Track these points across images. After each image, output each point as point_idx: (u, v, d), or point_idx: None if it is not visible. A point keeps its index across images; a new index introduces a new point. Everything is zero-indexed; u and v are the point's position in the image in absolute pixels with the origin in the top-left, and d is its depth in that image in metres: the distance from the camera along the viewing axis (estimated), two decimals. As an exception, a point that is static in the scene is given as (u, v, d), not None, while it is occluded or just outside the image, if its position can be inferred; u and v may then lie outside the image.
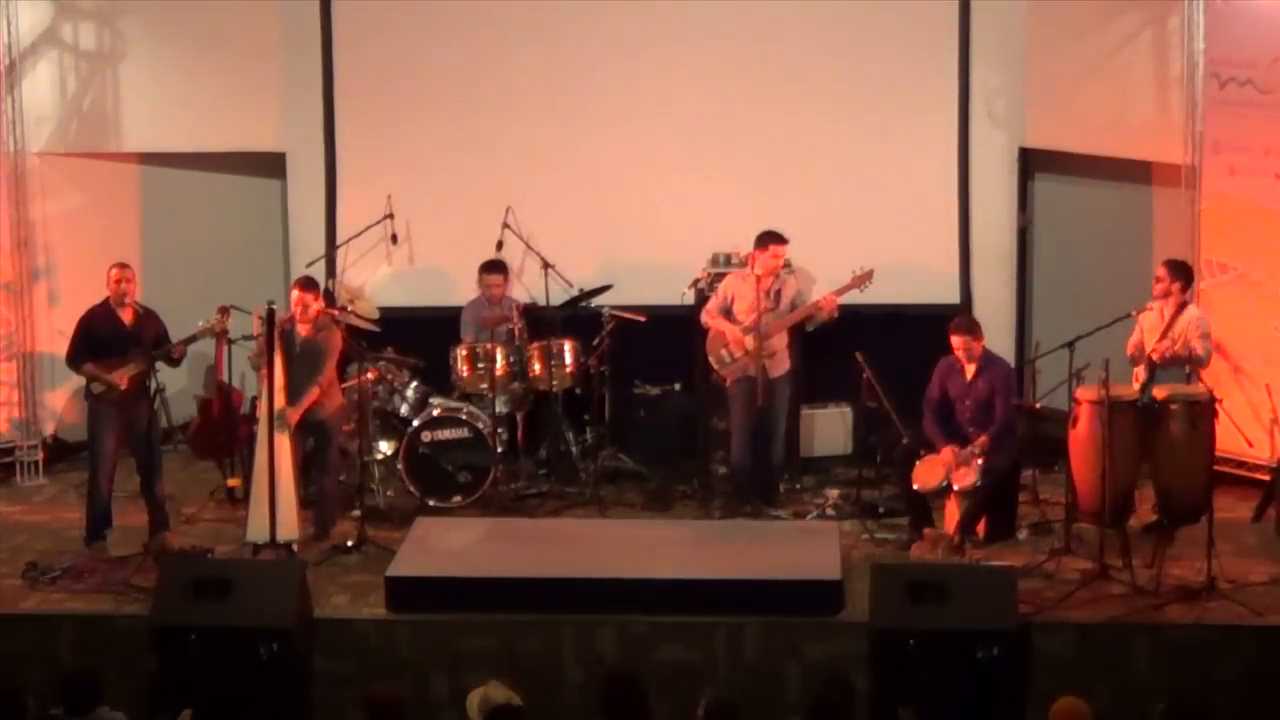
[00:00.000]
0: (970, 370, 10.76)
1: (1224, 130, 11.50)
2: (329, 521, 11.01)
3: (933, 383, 10.84)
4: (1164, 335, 10.69)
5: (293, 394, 10.67)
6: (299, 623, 9.39)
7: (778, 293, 11.26)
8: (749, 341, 11.18)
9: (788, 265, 11.76)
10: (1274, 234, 11.37)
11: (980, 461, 10.51)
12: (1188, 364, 10.69)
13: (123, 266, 10.84)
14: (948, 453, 10.59)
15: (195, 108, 12.78)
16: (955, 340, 10.72)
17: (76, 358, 10.81)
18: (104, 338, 10.75)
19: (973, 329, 10.80)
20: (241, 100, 12.79)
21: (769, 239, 11.24)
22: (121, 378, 10.62)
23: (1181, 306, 10.79)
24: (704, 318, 11.44)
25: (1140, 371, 10.76)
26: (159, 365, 10.73)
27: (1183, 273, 10.89)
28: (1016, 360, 12.24)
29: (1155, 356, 10.65)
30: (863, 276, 11.21)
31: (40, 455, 12.47)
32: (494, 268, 12.14)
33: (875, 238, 12.37)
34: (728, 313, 11.34)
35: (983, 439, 10.59)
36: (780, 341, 11.33)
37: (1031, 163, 12.82)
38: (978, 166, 12.65)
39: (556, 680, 9.56)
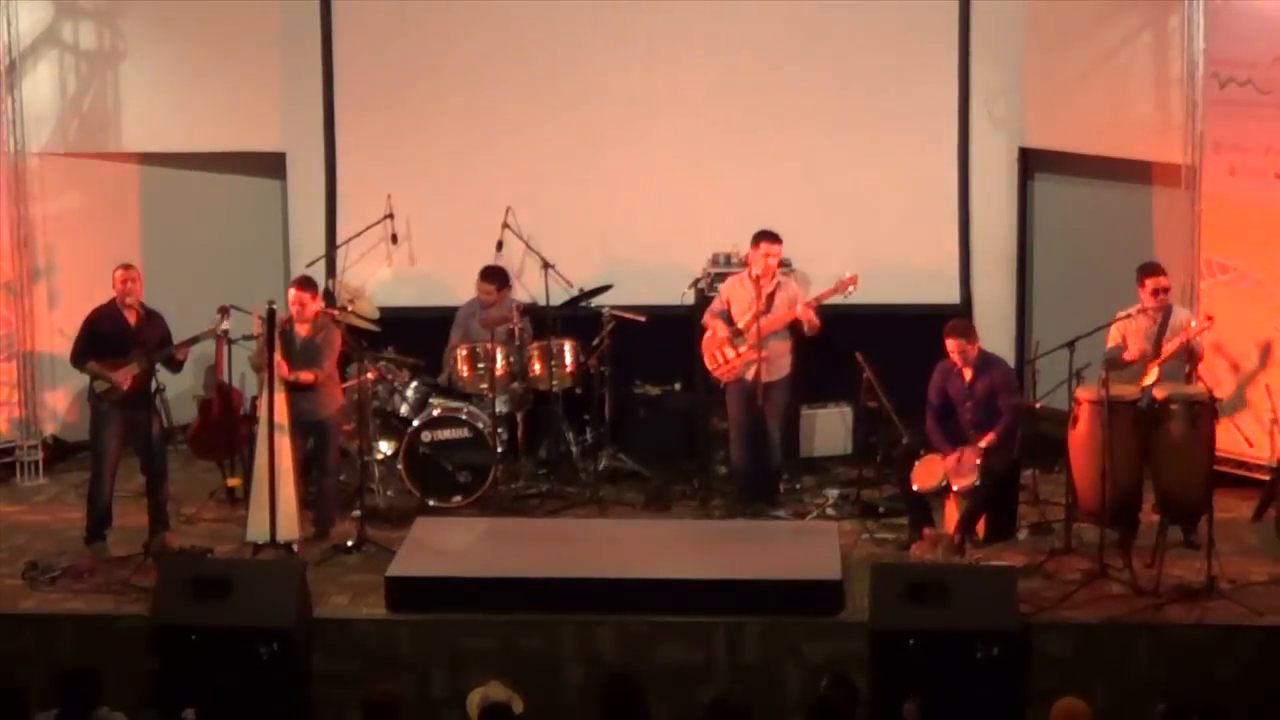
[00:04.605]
0: (968, 373, 10.75)
1: (1224, 130, 11.50)
2: (329, 521, 11.01)
3: (932, 387, 10.83)
4: (1168, 334, 10.69)
5: (295, 392, 10.68)
6: (299, 623, 9.40)
7: (770, 296, 11.23)
8: (740, 344, 11.17)
9: (788, 265, 11.77)
10: (1274, 234, 11.37)
11: (979, 461, 10.51)
12: (1188, 359, 10.70)
13: (127, 268, 10.86)
14: (952, 459, 10.58)
15: (195, 108, 12.78)
16: (950, 344, 10.71)
17: (81, 356, 10.83)
18: (108, 338, 10.76)
19: (967, 332, 10.77)
20: (241, 100, 12.80)
21: (760, 237, 11.24)
22: (125, 376, 10.63)
23: (1169, 306, 10.82)
24: (705, 318, 11.44)
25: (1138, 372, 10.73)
26: (159, 366, 10.74)
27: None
28: (1016, 360, 12.24)
29: (1166, 353, 10.66)
30: (847, 282, 11.18)
31: (40, 455, 12.46)
32: (487, 276, 12.09)
33: (875, 238, 12.38)
34: (726, 315, 11.33)
35: (990, 436, 10.58)
36: (778, 346, 11.30)
37: (1031, 163, 12.82)
38: (978, 166, 12.66)
39: (556, 680, 9.56)
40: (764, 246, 11.21)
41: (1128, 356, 10.73)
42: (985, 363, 10.78)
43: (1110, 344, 10.84)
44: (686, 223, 12.53)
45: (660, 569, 10.06)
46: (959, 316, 11.35)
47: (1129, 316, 10.80)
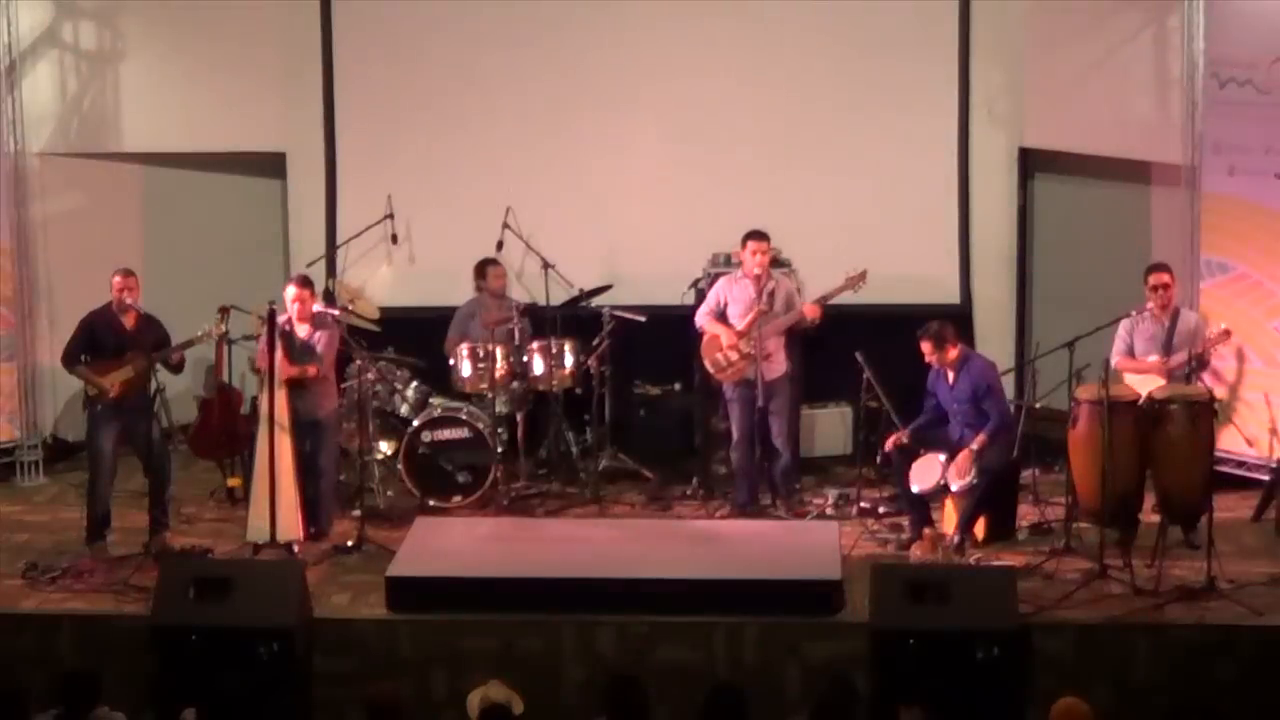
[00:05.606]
0: (951, 376, 10.75)
1: (1224, 130, 11.50)
2: (328, 521, 11.00)
3: (928, 384, 10.85)
4: (1176, 338, 10.71)
5: (293, 392, 10.68)
6: (299, 623, 9.40)
7: (771, 294, 11.24)
8: (744, 345, 11.17)
9: (787, 265, 11.75)
10: (1274, 234, 11.37)
11: (976, 452, 10.49)
12: (1200, 363, 10.73)
13: (126, 274, 10.82)
14: (947, 463, 10.58)
15: (195, 108, 12.79)
16: (922, 346, 10.70)
17: (71, 357, 10.81)
18: (102, 341, 10.75)
19: (937, 338, 10.64)
20: (241, 100, 12.80)
21: (748, 237, 11.25)
22: (113, 384, 10.62)
23: (1176, 309, 10.85)
24: (698, 321, 11.42)
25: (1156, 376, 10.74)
26: (159, 367, 10.73)
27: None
28: (1017, 360, 12.25)
29: (1175, 364, 10.68)
30: (856, 278, 11.20)
31: (40, 455, 12.47)
32: (495, 260, 12.15)
33: (875, 238, 12.37)
34: (722, 316, 11.33)
35: (981, 438, 10.57)
36: (776, 344, 11.31)
37: (1031, 163, 12.82)
38: (978, 166, 12.66)
39: (556, 680, 9.56)
40: (752, 245, 11.22)
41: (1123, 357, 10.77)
42: (965, 361, 10.75)
43: (1117, 346, 10.84)
44: (686, 223, 12.53)
45: (660, 569, 10.05)
46: (953, 318, 11.29)
47: (1130, 316, 10.83)
